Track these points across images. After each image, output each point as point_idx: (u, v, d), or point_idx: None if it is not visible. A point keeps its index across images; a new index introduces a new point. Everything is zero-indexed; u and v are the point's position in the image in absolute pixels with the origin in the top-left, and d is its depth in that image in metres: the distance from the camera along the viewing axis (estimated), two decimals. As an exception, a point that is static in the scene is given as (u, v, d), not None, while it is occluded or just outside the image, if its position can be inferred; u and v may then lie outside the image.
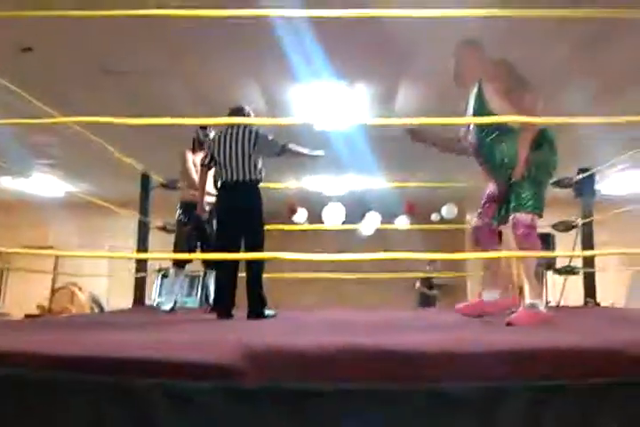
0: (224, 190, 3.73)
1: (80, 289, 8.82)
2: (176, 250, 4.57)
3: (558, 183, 5.29)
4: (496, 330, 2.49)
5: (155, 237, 5.53)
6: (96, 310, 8.71)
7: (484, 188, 3.19)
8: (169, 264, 4.82)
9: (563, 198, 5.87)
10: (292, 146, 3.77)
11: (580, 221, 5.16)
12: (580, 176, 5.21)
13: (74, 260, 9.93)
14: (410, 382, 1.48)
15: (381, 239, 8.67)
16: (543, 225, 4.90)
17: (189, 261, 4.75)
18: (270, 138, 3.71)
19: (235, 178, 3.65)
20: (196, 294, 8.26)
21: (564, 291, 5.75)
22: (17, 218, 10.85)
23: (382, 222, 8.26)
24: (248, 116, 3.90)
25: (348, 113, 6.17)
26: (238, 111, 3.88)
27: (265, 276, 3.64)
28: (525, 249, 2.79)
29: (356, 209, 8.09)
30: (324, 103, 5.83)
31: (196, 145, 4.58)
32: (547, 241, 6.65)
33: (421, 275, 8.80)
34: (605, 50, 4.59)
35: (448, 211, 8.80)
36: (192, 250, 4.48)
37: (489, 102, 2.87)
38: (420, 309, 7.64)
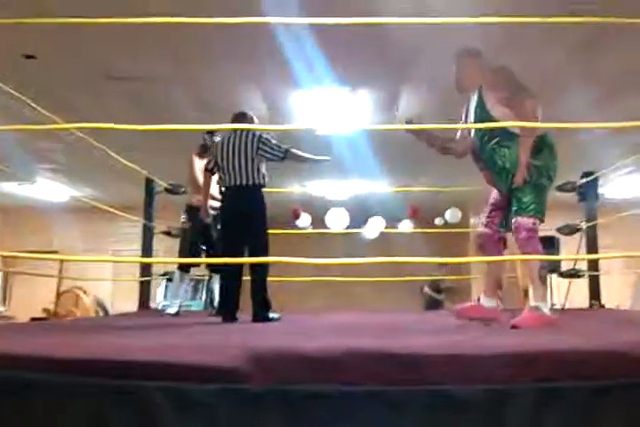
0: (228, 195, 3.75)
1: (85, 293, 8.83)
2: (181, 254, 4.59)
3: (562, 187, 5.30)
4: (500, 333, 2.49)
5: (159, 242, 5.55)
6: (101, 314, 8.72)
7: (487, 192, 3.20)
8: (174, 268, 4.84)
9: (567, 202, 5.88)
10: (295, 151, 3.79)
11: (584, 225, 5.16)
12: (584, 180, 5.22)
13: (78, 264, 9.97)
14: (414, 385, 1.49)
15: (385, 243, 8.70)
16: (547, 228, 4.92)
17: (194, 265, 4.76)
18: (274, 142, 3.72)
19: (238, 182, 3.66)
20: (201, 298, 8.28)
21: (569, 294, 5.75)
22: (22, 223, 10.90)
23: (386, 227, 8.29)
24: (251, 121, 3.92)
25: (350, 118, 6.18)
26: (242, 117, 3.90)
27: (270, 279, 3.65)
28: (527, 253, 2.80)
29: (360, 213, 8.11)
30: (327, 109, 5.85)
31: (203, 150, 4.59)
32: (551, 244, 6.66)
33: (429, 278, 8.79)
34: (602, 54, 4.60)
35: (452, 215, 8.81)
36: (197, 254, 4.50)
37: (490, 110, 2.90)
38: (427, 311, 7.64)
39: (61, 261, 9.98)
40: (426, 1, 3.68)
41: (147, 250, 5.29)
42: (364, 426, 1.45)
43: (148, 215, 5.39)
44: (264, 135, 3.73)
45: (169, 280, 5.52)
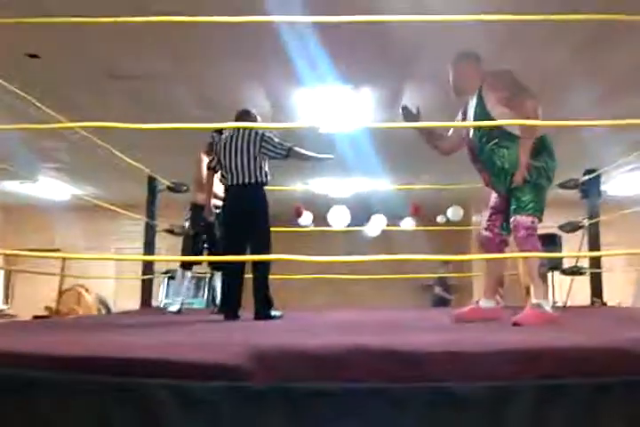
0: (230, 193, 3.76)
1: (87, 291, 8.86)
2: (184, 252, 4.60)
3: (564, 184, 5.30)
4: (502, 330, 2.49)
5: (161, 240, 5.56)
6: (103, 312, 8.75)
7: (486, 191, 3.21)
8: (176, 266, 4.86)
9: (569, 199, 5.88)
10: (298, 149, 3.79)
11: (586, 222, 5.16)
12: (587, 177, 5.22)
13: (81, 262, 10.00)
14: (417, 382, 1.49)
15: (387, 241, 8.69)
16: (549, 226, 4.92)
17: (196, 262, 4.77)
18: (277, 141, 3.72)
19: (240, 181, 3.67)
20: (203, 296, 8.30)
21: (571, 291, 5.75)
22: (24, 221, 10.93)
23: (388, 225, 8.29)
24: (255, 119, 3.92)
25: (353, 116, 6.18)
26: (245, 115, 3.90)
27: (271, 277, 3.66)
28: (526, 251, 2.81)
29: (362, 211, 8.11)
30: (330, 107, 5.85)
31: (211, 148, 4.60)
32: (553, 242, 6.66)
33: (430, 276, 8.80)
34: (606, 52, 4.60)
35: (454, 213, 8.81)
36: (199, 253, 4.51)
37: (490, 110, 2.90)
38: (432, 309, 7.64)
39: (64, 259, 9.99)
40: (428, -1, 3.68)
41: (149, 248, 5.30)
42: (366, 423, 1.46)
43: (151, 213, 5.40)
44: (267, 133, 3.73)
45: (171, 278, 5.54)
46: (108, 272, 9.93)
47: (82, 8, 3.42)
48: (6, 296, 11.02)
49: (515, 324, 2.63)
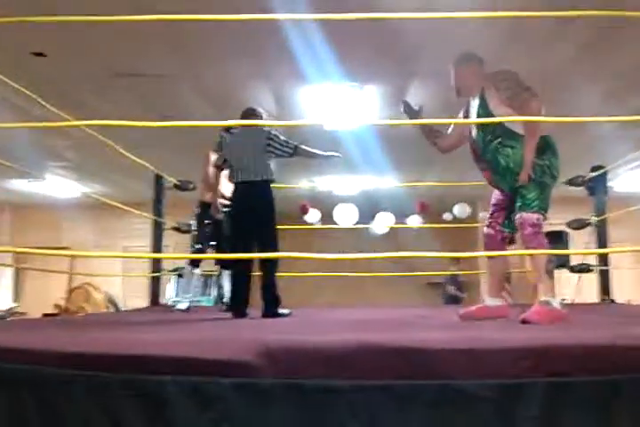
0: (237, 191, 3.77)
1: (96, 289, 8.90)
2: (193, 249, 4.62)
3: (572, 181, 5.28)
4: (510, 327, 2.49)
5: (169, 237, 5.58)
6: (112, 310, 8.78)
7: (491, 190, 3.21)
8: (184, 264, 4.87)
9: (576, 196, 5.86)
10: (305, 147, 3.79)
11: (593, 219, 5.15)
12: (593, 174, 5.20)
13: (89, 260, 10.04)
14: (424, 379, 1.49)
15: (394, 239, 8.70)
16: (557, 223, 4.90)
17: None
18: (283, 139, 3.73)
19: (247, 178, 3.67)
20: (211, 294, 8.32)
21: (579, 289, 5.74)
22: (32, 220, 10.98)
23: (395, 222, 8.28)
24: (261, 117, 3.93)
25: (358, 114, 6.18)
26: (251, 113, 3.91)
27: (278, 275, 3.67)
28: (532, 248, 2.81)
29: (368, 209, 8.11)
30: (335, 104, 5.85)
31: (220, 147, 4.61)
32: (560, 239, 6.64)
33: (438, 273, 8.79)
34: (611, 50, 4.57)
35: (460, 210, 8.79)
36: (205, 250, 4.53)
37: (493, 111, 2.90)
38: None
39: (72, 257, 10.04)
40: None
41: (156, 246, 5.32)
42: (374, 420, 1.47)
43: (158, 211, 5.42)
44: (273, 131, 3.74)
45: (179, 276, 5.56)
46: (116, 271, 9.97)
47: (87, 7, 3.43)
48: (16, 294, 11.08)
49: (523, 321, 2.63)
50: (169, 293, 8.42)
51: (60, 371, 1.52)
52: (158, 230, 5.36)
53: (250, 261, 3.71)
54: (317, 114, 6.07)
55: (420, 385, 1.48)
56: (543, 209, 2.88)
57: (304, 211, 7.75)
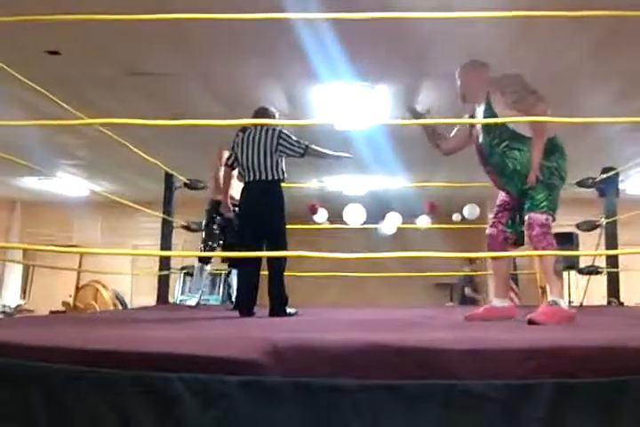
0: (247, 190, 3.78)
1: (104, 287, 8.94)
2: (203, 245, 4.65)
3: (582, 183, 5.26)
4: (518, 328, 2.49)
5: (178, 236, 5.60)
6: (119, 308, 8.82)
7: (498, 192, 3.21)
8: (192, 263, 4.90)
9: (586, 198, 5.83)
10: (316, 147, 3.80)
11: (603, 221, 5.12)
12: (604, 176, 5.18)
13: (97, 258, 10.09)
14: (431, 379, 1.50)
15: (402, 239, 8.67)
16: (566, 224, 4.88)
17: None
18: (294, 138, 3.73)
19: (257, 177, 3.68)
20: (219, 293, 8.33)
21: (588, 291, 5.71)
22: (42, 217, 11.04)
23: (403, 222, 8.26)
24: (272, 116, 3.93)
25: (369, 113, 6.18)
26: (263, 112, 3.92)
27: (286, 274, 3.68)
28: (541, 249, 2.81)
29: (377, 209, 8.10)
30: (346, 104, 5.85)
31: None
32: (570, 240, 6.60)
33: (447, 274, 8.76)
34: (621, 50, 4.55)
35: (470, 211, 8.75)
36: (214, 248, 4.55)
37: (500, 115, 2.90)
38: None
39: (81, 254, 10.10)
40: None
41: (166, 244, 5.34)
42: (381, 419, 1.47)
43: (168, 210, 5.44)
44: (284, 131, 3.74)
45: (187, 275, 5.59)
46: (125, 269, 10.02)
47: (101, 5, 3.45)
48: (24, 292, 11.15)
49: (530, 322, 2.62)
50: (177, 291, 8.45)
51: (68, 367, 1.53)
52: (167, 229, 5.39)
53: (258, 260, 3.72)
54: (329, 113, 6.08)
55: (426, 385, 1.48)
56: (552, 210, 2.88)
57: (313, 211, 7.73)
